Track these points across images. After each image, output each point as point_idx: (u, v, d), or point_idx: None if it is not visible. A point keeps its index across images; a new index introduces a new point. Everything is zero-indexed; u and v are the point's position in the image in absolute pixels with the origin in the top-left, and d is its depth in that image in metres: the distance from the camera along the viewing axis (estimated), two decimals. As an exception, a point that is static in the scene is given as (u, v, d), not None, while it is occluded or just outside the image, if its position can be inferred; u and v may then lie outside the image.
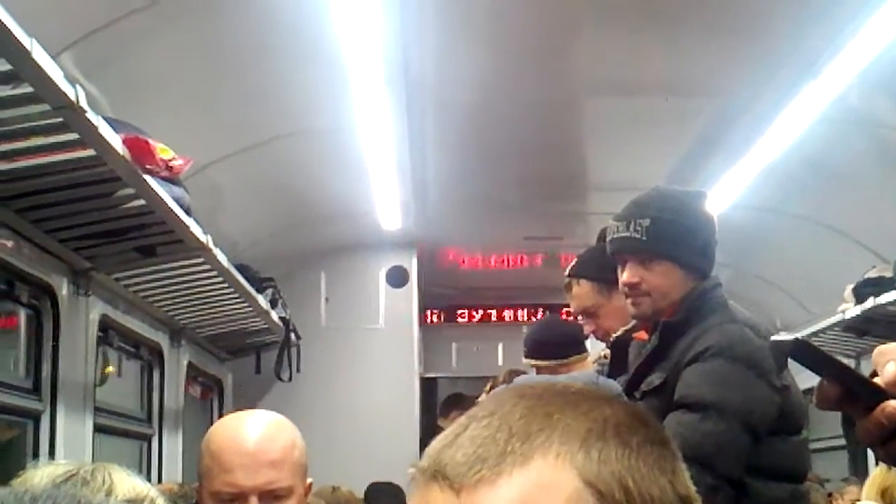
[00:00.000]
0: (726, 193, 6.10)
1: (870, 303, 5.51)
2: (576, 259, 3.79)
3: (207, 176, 5.22)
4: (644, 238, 2.89)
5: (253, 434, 2.17)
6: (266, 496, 2.13)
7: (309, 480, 2.25)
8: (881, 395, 1.05)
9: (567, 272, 3.76)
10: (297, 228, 7.24)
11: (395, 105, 5.05)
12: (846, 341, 6.40)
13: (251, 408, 7.32)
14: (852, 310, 5.71)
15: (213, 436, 2.22)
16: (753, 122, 5.20)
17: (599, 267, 3.48)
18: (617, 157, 6.18)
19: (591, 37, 4.72)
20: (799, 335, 1.08)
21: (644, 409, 2.75)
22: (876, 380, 1.07)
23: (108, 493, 1.71)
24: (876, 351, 1.09)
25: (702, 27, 4.52)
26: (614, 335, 3.52)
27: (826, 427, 6.67)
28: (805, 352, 1.06)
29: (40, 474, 1.78)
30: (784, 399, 2.69)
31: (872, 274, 5.68)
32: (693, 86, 5.17)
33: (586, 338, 3.96)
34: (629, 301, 2.98)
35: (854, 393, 1.06)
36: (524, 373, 4.54)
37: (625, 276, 2.93)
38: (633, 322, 3.26)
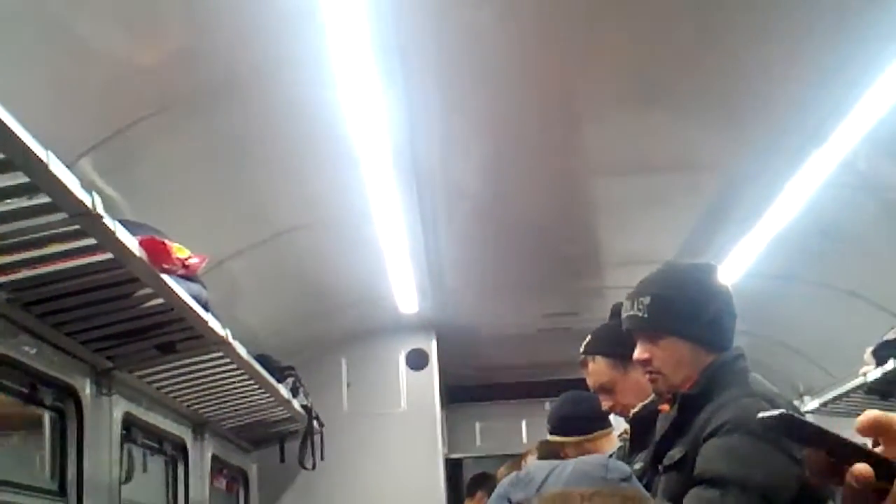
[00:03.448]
0: (740, 262, 6.12)
1: (890, 364, 5.48)
2: (590, 336, 3.81)
3: (225, 269, 5.29)
4: (645, 315, 2.95)
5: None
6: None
7: None
8: (863, 456, 1.03)
9: (582, 349, 3.79)
10: (316, 316, 7.28)
11: (406, 192, 5.12)
12: (870, 404, 6.36)
13: (277, 498, 7.33)
14: (873, 372, 5.68)
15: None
16: (762, 191, 5.24)
17: (614, 343, 3.51)
18: (630, 232, 6.22)
19: (598, 118, 4.79)
20: (784, 410, 1.07)
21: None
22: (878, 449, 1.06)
23: None
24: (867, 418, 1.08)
25: (705, 103, 4.58)
26: (633, 410, 3.54)
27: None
28: (790, 425, 1.05)
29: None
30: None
31: (891, 335, 5.66)
32: (701, 160, 5.23)
33: (606, 414, 3.96)
34: (648, 378, 3.03)
35: (843, 460, 1.05)
36: (555, 445, 4.52)
37: (636, 353, 2.99)
38: (652, 397, 3.29)
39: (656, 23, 3.96)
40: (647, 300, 2.96)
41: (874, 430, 1.06)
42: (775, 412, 1.04)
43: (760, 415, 1.05)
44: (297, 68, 3.94)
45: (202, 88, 3.96)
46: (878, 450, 1.06)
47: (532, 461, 5.26)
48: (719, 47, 4.09)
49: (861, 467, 1.02)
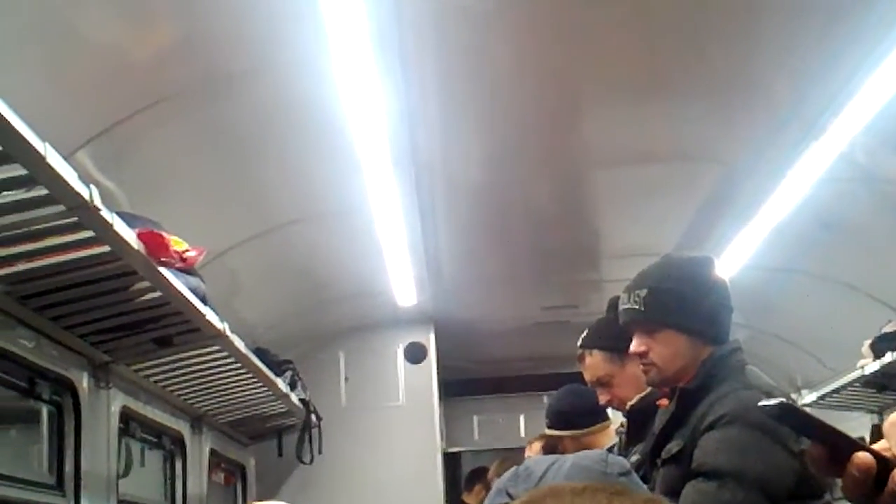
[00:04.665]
0: (738, 255, 6.12)
1: (888, 357, 5.49)
2: (587, 330, 3.81)
3: (224, 263, 5.28)
4: (642, 308, 2.96)
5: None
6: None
7: None
8: (860, 448, 1.04)
9: (579, 343, 3.79)
10: (314, 310, 7.28)
11: (404, 185, 5.11)
12: (868, 397, 6.37)
13: (275, 492, 7.33)
14: (871, 365, 5.69)
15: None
16: (761, 183, 5.24)
17: (610, 336, 3.51)
18: (628, 224, 6.22)
19: (597, 109, 4.79)
20: (785, 399, 1.08)
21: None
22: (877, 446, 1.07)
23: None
24: (888, 422, 1.09)
25: (704, 94, 4.58)
26: (630, 404, 3.54)
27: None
28: (790, 415, 1.06)
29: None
30: (803, 464, 2.67)
31: (889, 328, 5.68)
32: (699, 151, 5.23)
33: (604, 408, 3.96)
34: (642, 369, 3.03)
35: (839, 452, 1.06)
36: (553, 439, 4.53)
37: (633, 346, 3.00)
38: (649, 390, 3.29)
39: (656, 14, 3.96)
40: (643, 293, 2.96)
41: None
42: (776, 401, 1.05)
43: (761, 403, 1.06)
44: (295, 60, 3.94)
45: (200, 81, 3.95)
46: (877, 446, 1.07)
47: (536, 447, 5.27)
48: (718, 38, 4.09)
49: (863, 456, 1.03)
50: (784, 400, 1.06)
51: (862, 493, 1.05)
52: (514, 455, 5.89)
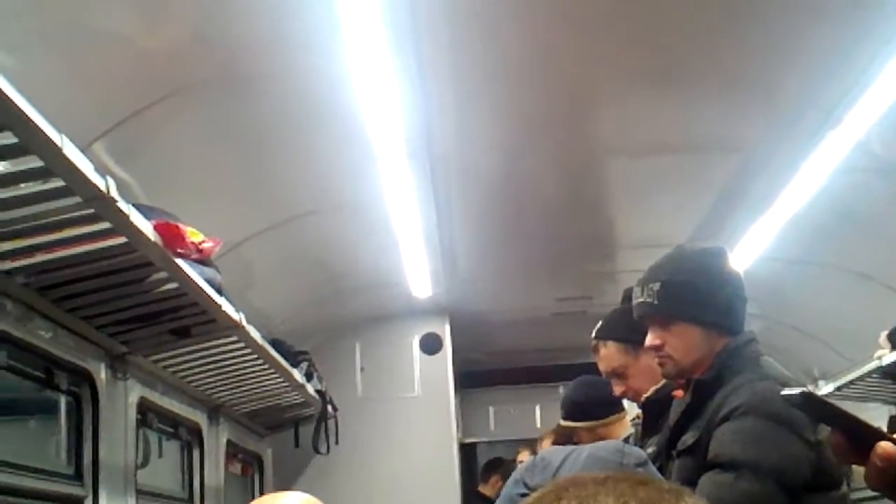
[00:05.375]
0: (754, 246, 6.10)
1: (905, 348, 5.48)
2: (601, 321, 3.81)
3: (240, 254, 5.30)
4: (656, 302, 2.95)
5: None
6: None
7: None
8: (881, 438, 1.05)
9: (594, 334, 3.79)
10: (329, 301, 7.30)
11: (420, 177, 5.12)
12: (885, 388, 6.35)
13: (292, 482, 7.37)
14: (889, 356, 5.67)
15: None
16: (776, 173, 5.22)
17: (625, 328, 3.51)
18: (643, 215, 6.21)
19: (611, 99, 4.78)
20: (806, 388, 1.09)
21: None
22: None
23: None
24: None
25: (719, 84, 4.57)
26: (645, 395, 3.54)
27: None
28: (812, 404, 1.06)
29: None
30: (819, 454, 2.67)
31: (906, 319, 5.66)
32: (714, 141, 5.21)
33: (619, 399, 3.96)
34: (657, 362, 3.03)
35: (861, 440, 1.06)
36: (568, 430, 4.52)
37: (648, 340, 2.99)
38: (664, 381, 3.29)
39: (670, 5, 3.95)
40: (657, 286, 2.96)
41: None
42: (797, 390, 1.06)
43: (783, 392, 1.07)
44: (312, 52, 3.94)
45: (216, 73, 3.96)
46: None
47: (548, 443, 5.27)
48: (732, 29, 4.07)
49: (886, 446, 1.04)
50: (805, 389, 1.07)
51: (885, 482, 1.05)
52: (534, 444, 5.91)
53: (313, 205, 5.59)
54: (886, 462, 1.03)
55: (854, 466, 1.11)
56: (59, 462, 3.99)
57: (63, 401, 4.00)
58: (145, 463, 4.76)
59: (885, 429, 1.11)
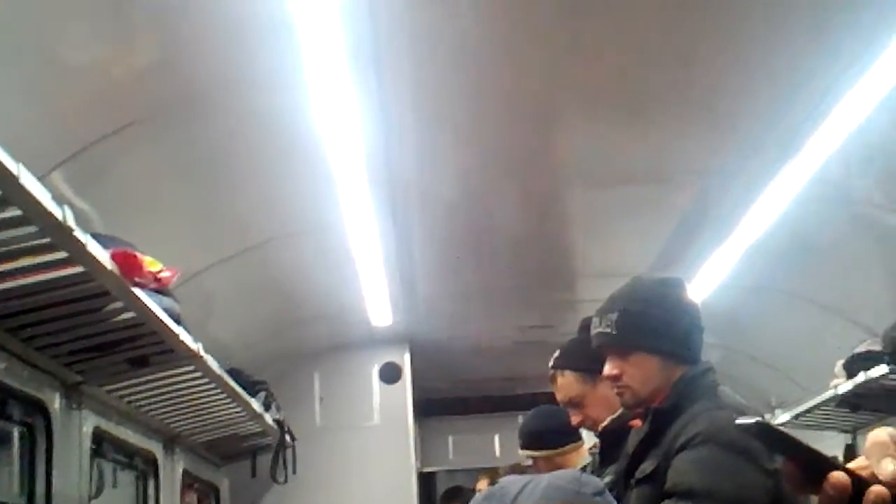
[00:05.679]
0: (713, 274, 6.15)
1: (861, 377, 5.51)
2: (558, 351, 3.81)
3: (199, 283, 5.27)
4: (614, 332, 2.97)
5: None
6: None
7: None
8: (834, 468, 1.04)
9: (550, 364, 3.79)
10: (288, 329, 7.27)
11: (379, 203, 5.11)
12: (841, 417, 6.40)
13: (249, 513, 7.23)
14: (844, 385, 5.71)
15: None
16: (736, 203, 5.27)
17: (582, 357, 3.51)
18: (603, 244, 6.25)
19: (573, 128, 4.81)
20: (762, 417, 1.09)
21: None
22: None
23: None
24: (868, 441, 1.08)
25: (680, 114, 4.61)
26: (602, 425, 3.55)
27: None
28: (766, 433, 1.06)
29: None
30: (777, 483, 2.67)
31: (861, 349, 5.70)
32: (675, 171, 5.26)
33: (577, 428, 3.96)
34: (616, 391, 3.04)
35: (814, 470, 1.06)
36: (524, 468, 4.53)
37: (606, 370, 3.00)
38: (621, 411, 3.30)
39: (632, 36, 3.99)
40: (615, 316, 2.97)
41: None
42: (752, 419, 1.06)
43: (738, 421, 1.07)
44: (271, 79, 3.94)
45: (175, 101, 3.95)
46: (852, 465, 1.08)
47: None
48: (693, 60, 4.12)
49: (838, 476, 1.04)
50: (760, 419, 1.07)
51: None
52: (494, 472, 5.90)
53: (271, 232, 5.57)
54: (838, 492, 1.04)
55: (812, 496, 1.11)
56: (11, 493, 3.93)
57: (16, 431, 3.94)
58: (99, 493, 4.70)
59: (841, 457, 1.11)
